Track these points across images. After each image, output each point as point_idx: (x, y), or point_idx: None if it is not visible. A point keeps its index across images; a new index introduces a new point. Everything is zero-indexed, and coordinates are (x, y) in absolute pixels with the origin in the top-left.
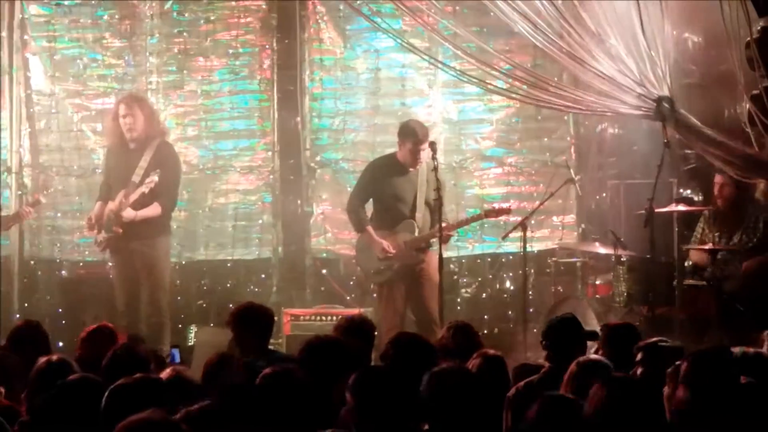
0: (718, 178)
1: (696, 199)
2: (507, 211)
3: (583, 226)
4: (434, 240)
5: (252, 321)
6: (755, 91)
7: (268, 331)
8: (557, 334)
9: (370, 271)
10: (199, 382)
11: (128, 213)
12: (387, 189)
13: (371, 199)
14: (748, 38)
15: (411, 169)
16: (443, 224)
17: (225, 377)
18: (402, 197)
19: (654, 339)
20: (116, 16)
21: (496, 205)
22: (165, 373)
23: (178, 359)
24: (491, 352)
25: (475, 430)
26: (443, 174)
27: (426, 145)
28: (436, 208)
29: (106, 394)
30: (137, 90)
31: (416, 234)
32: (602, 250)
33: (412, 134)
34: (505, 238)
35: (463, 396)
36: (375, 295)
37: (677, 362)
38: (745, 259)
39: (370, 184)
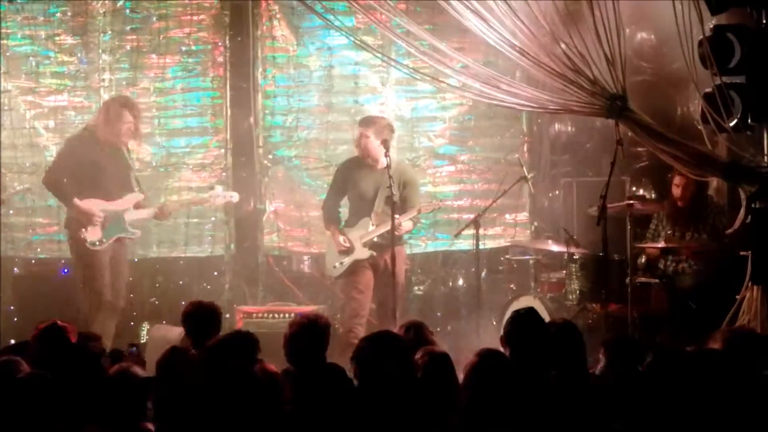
0: (678, 180)
1: (648, 196)
2: (437, 206)
3: (535, 223)
4: (404, 236)
5: (200, 318)
6: (708, 90)
7: (216, 328)
8: (519, 327)
9: (330, 266)
10: (146, 378)
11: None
12: (351, 187)
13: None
14: (701, 36)
15: (376, 167)
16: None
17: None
18: (363, 194)
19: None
20: (69, 13)
21: (432, 201)
22: (112, 370)
23: (135, 357)
24: (437, 350)
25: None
26: (414, 173)
27: (368, 132)
28: (408, 205)
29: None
30: (88, 87)
31: (370, 230)
32: (555, 247)
33: (360, 122)
34: (458, 235)
35: (403, 393)
36: (339, 291)
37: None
38: (694, 256)
39: (336, 183)
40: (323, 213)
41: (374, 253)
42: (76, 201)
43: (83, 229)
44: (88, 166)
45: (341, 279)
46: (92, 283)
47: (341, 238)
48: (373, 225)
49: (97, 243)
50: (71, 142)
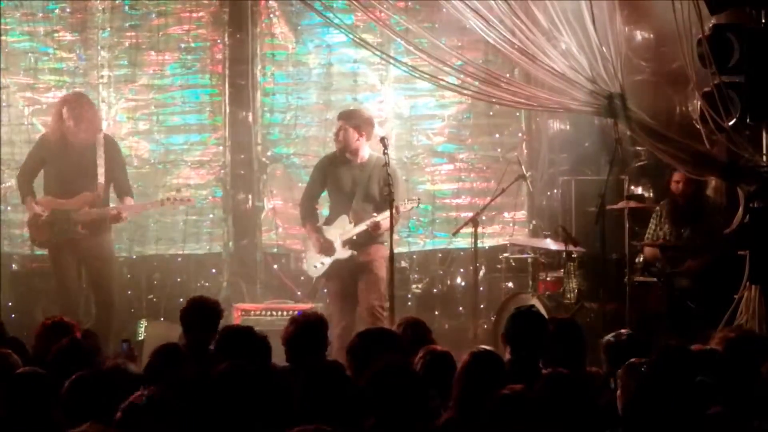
0: (678, 176)
1: (647, 195)
2: (414, 203)
3: (534, 222)
4: (386, 234)
5: (199, 314)
6: (707, 89)
7: (213, 326)
8: (520, 325)
9: (311, 266)
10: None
11: (123, 213)
12: (330, 182)
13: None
14: (700, 35)
15: (355, 161)
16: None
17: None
18: (342, 190)
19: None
20: (68, 10)
21: (410, 197)
22: (107, 366)
23: (127, 352)
24: (439, 348)
25: (416, 425)
26: (395, 169)
27: (350, 123)
28: (386, 202)
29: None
30: (87, 84)
31: (348, 228)
32: (553, 246)
33: (338, 116)
34: (456, 233)
35: (404, 392)
36: (325, 290)
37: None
38: (692, 257)
39: (314, 178)
40: (300, 210)
41: (355, 253)
42: (28, 199)
43: (31, 227)
44: (48, 165)
45: (322, 279)
46: (57, 284)
47: (318, 237)
48: (351, 223)
49: (43, 242)
50: (37, 141)
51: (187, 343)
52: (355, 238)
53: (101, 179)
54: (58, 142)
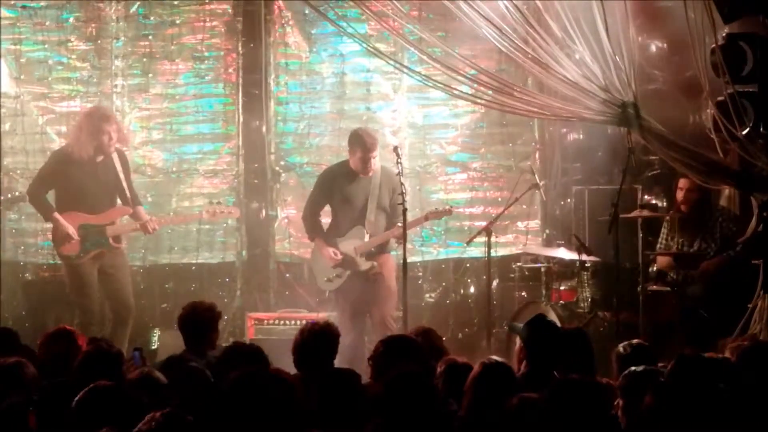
0: (682, 183)
1: (660, 204)
2: (448, 212)
3: (547, 231)
4: (393, 243)
5: (192, 320)
6: (720, 98)
7: (207, 330)
8: (539, 335)
9: (322, 279)
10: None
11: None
12: (337, 195)
13: (329, 206)
14: (713, 45)
15: (362, 175)
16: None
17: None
18: (352, 203)
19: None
20: (81, 19)
21: (439, 207)
22: (134, 374)
23: (138, 361)
24: (459, 360)
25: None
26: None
27: (376, 153)
28: (399, 212)
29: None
30: (101, 93)
31: (366, 240)
32: (566, 255)
33: (360, 144)
34: (469, 243)
35: (419, 399)
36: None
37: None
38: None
39: (320, 191)
40: (306, 223)
41: (375, 264)
42: (56, 215)
43: (62, 243)
44: (70, 181)
45: (336, 293)
46: (78, 295)
47: (331, 251)
48: (367, 234)
49: (74, 257)
50: (55, 156)
51: (186, 347)
52: (373, 250)
53: (128, 193)
54: (82, 157)
